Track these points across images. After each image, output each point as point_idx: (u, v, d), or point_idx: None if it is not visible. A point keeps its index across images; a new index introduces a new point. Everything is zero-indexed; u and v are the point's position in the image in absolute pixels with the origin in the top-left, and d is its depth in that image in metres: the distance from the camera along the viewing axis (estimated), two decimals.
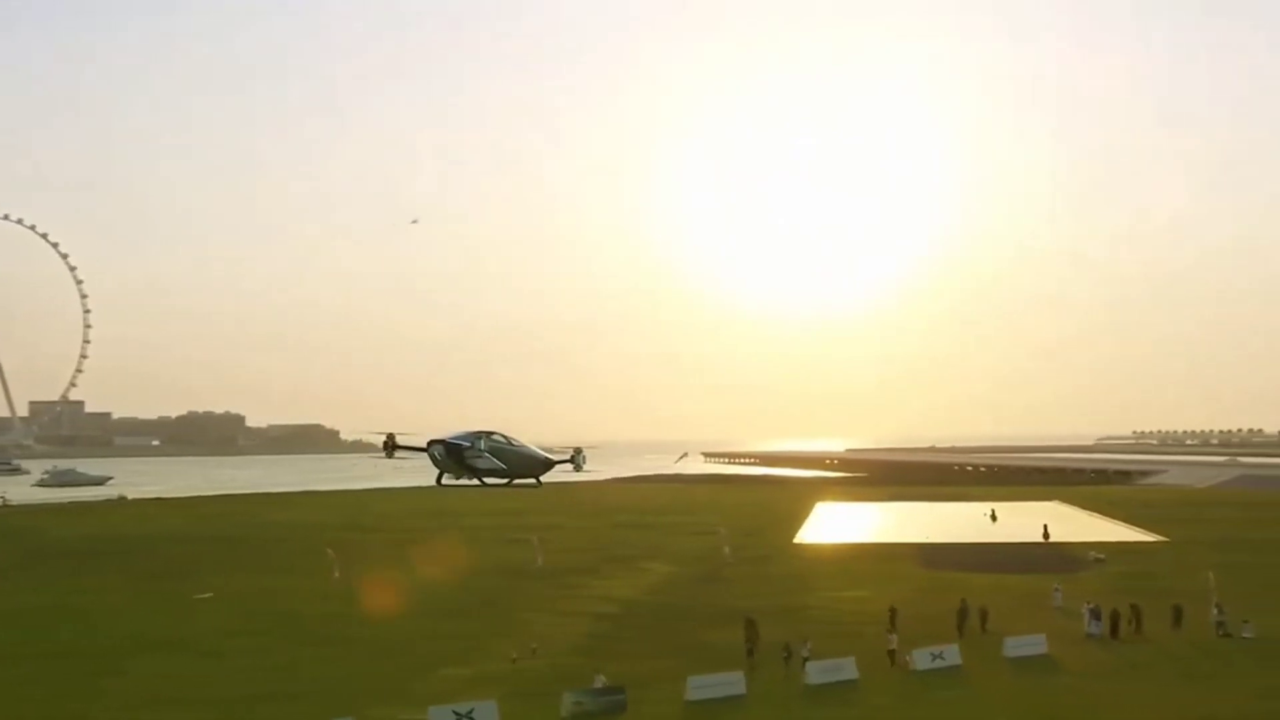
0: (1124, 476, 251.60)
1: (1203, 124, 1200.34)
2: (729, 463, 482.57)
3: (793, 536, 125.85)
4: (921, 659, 56.62)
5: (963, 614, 66.59)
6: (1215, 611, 65.84)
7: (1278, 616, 66.70)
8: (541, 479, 62.69)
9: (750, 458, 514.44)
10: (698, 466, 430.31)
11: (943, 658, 56.96)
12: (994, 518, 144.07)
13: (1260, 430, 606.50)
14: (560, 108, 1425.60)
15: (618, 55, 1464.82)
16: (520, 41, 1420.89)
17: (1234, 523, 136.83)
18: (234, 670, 57.23)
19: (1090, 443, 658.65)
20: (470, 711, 45.80)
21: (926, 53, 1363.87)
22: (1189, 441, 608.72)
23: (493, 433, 63.03)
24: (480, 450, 63.01)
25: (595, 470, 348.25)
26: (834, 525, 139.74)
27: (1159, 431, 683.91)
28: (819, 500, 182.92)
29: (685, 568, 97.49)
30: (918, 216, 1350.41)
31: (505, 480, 61.42)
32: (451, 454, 61.89)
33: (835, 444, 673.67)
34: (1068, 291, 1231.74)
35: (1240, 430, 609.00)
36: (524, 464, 62.23)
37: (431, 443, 60.93)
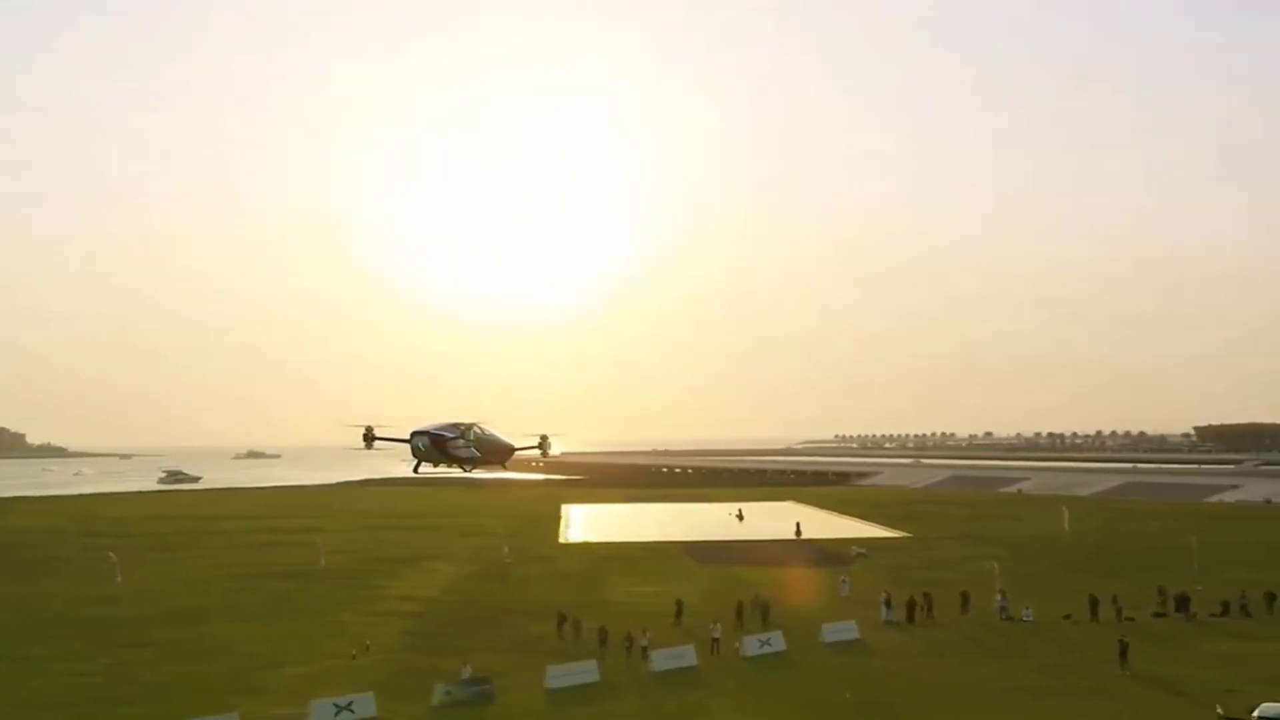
0: (843, 478, 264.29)
1: (904, 133, 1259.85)
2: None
3: (557, 536, 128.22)
4: (751, 645, 59.60)
5: (760, 605, 69.73)
6: (999, 597, 71.43)
7: (1031, 600, 72.49)
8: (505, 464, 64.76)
9: None
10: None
11: (770, 644, 60.10)
12: (740, 517, 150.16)
13: (952, 434, 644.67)
14: (264, 105, 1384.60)
15: (321, 53, 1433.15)
16: (223, 33, 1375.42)
17: (962, 519, 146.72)
18: (61, 675, 55.04)
19: (798, 445, 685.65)
20: (350, 704, 45.96)
21: (640, 57, 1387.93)
22: (887, 445, 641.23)
23: (475, 425, 63.27)
24: (469, 441, 62.96)
25: (316, 474, 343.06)
26: (591, 525, 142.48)
27: (859, 435, 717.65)
28: (562, 502, 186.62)
29: (469, 567, 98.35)
30: (626, 222, 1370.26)
31: (472, 467, 62.71)
32: (436, 444, 61.84)
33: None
34: (767, 299, 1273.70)
35: (934, 434, 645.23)
36: (496, 451, 62.89)
37: (415, 434, 60.51)
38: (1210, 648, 60.41)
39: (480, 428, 64.51)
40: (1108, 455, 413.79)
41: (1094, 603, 69.71)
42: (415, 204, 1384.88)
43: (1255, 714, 42.25)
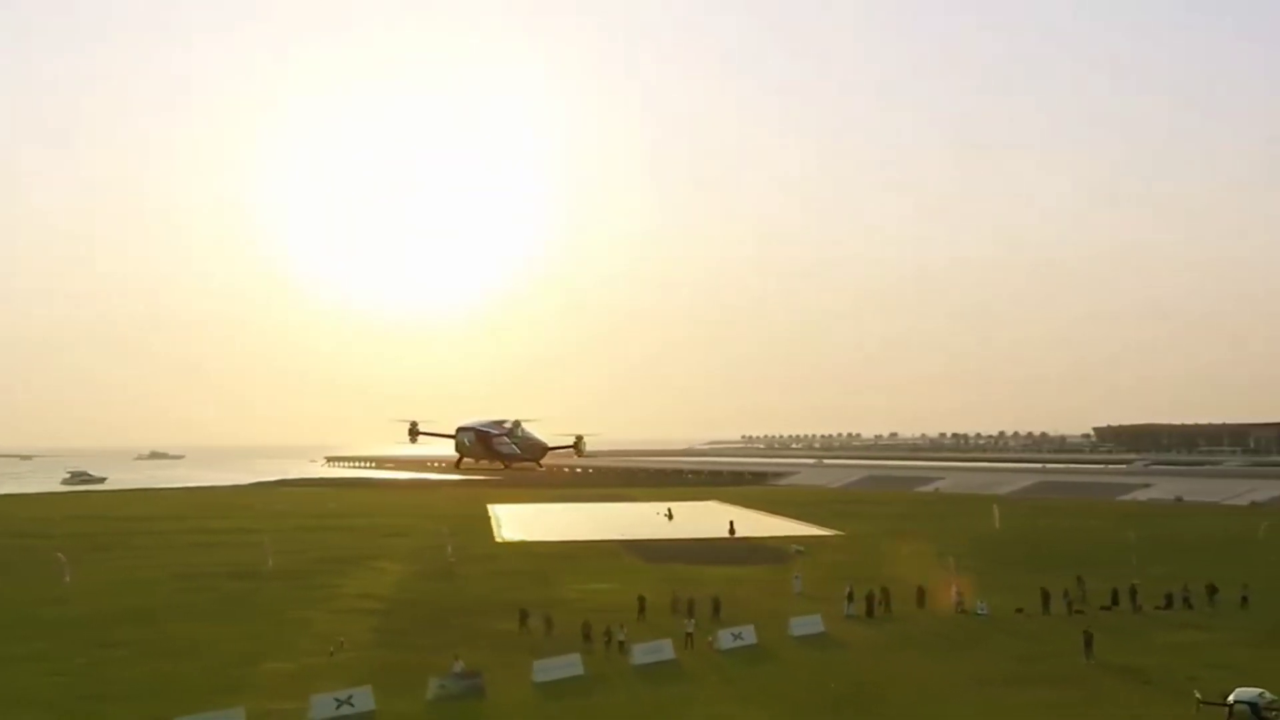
0: (760, 478, 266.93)
1: (810, 133, 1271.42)
2: (358, 466, 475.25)
3: (493, 536, 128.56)
4: (725, 639, 60.78)
5: (682, 603, 70.35)
6: (955, 592, 73.37)
7: (977, 595, 74.44)
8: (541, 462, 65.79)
9: (376, 461, 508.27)
10: (323, 470, 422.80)
11: (742, 638, 61.37)
12: (670, 516, 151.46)
13: (858, 435, 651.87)
14: (165, 95, 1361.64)
15: (222, 45, 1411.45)
16: (128, 25, 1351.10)
17: (889, 517, 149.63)
18: (40, 674, 54.54)
19: (703, 445, 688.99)
20: (349, 698, 46.36)
21: (543, 55, 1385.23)
22: (794, 446, 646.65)
23: (520, 423, 63.72)
24: (516, 438, 63.36)
25: (225, 474, 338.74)
26: (523, 525, 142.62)
27: (765, 436, 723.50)
28: (480, 502, 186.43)
29: (415, 566, 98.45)
30: (530, 221, 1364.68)
31: (511, 464, 63.77)
32: (481, 440, 62.20)
33: (443, 448, 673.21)
34: (671, 299, 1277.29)
35: (840, 435, 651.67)
36: (533, 449, 63.58)
37: (461, 429, 60.91)
38: (1163, 638, 62.66)
39: (513, 425, 65.27)
40: (1011, 455, 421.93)
41: (1046, 596, 71.93)
42: (318, 201, 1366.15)
43: (1231, 698, 44.24)
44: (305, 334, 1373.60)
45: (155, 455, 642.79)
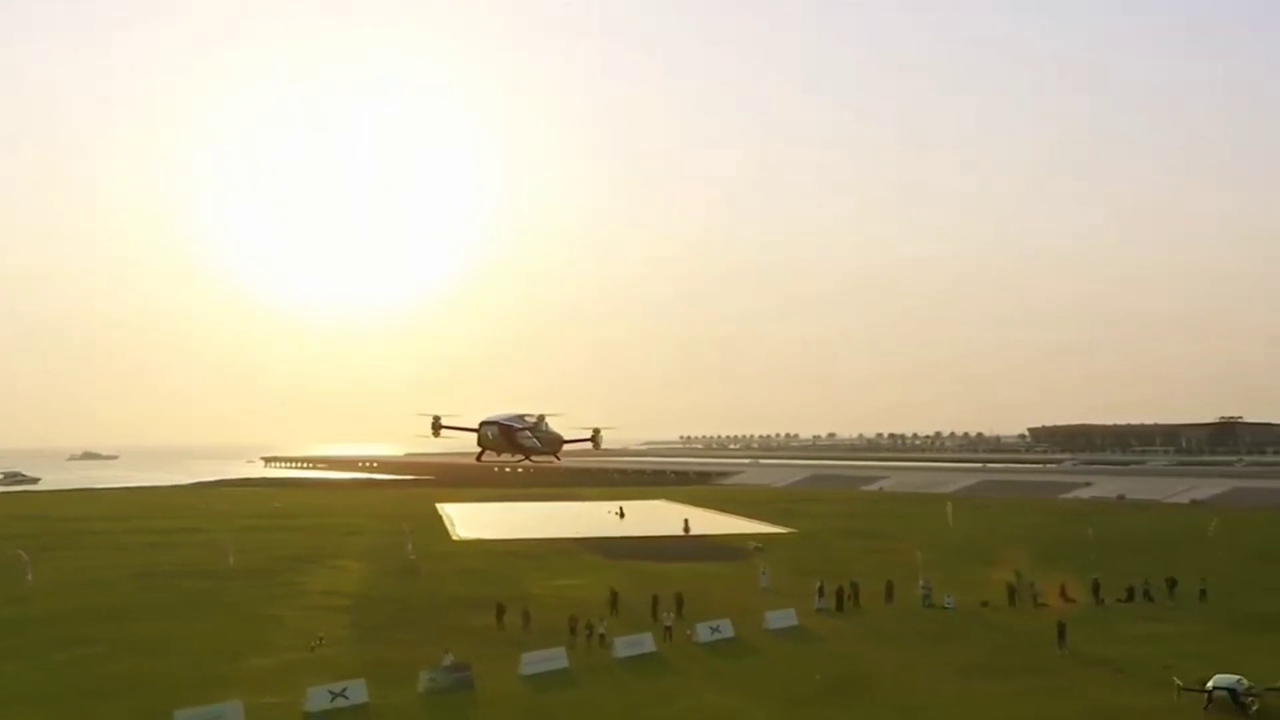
0: (704, 477, 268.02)
1: (744, 134, 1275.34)
2: (295, 467, 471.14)
3: (448, 534, 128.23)
4: (703, 632, 61.34)
5: (679, 600, 70.98)
6: (922, 585, 74.42)
7: (939, 589, 75.56)
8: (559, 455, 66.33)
9: (312, 462, 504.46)
10: (261, 471, 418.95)
11: (719, 631, 61.95)
12: (621, 514, 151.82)
13: (796, 435, 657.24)
14: (98, 98, 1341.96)
15: (155, 48, 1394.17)
16: (55, 27, 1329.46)
17: (840, 515, 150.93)
18: (23, 670, 53.96)
19: (640, 445, 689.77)
20: (344, 690, 46.45)
21: (478, 58, 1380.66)
22: (732, 446, 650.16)
23: (543, 417, 64.05)
24: (539, 432, 63.75)
25: (162, 475, 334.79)
26: (476, 523, 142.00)
27: (704, 436, 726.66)
28: (430, 501, 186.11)
29: (377, 564, 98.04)
30: (463, 224, 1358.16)
31: (530, 456, 64.62)
32: (504, 433, 62.59)
33: (376, 448, 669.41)
34: (606, 300, 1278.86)
35: (778, 435, 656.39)
36: (551, 442, 64.19)
37: (484, 423, 61.15)
38: (1130, 630, 63.97)
39: (546, 421, 65.83)
40: (949, 455, 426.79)
41: (1011, 590, 73.15)
42: (250, 203, 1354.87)
43: (1210, 684, 45.49)
44: (238, 334, 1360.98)
45: (88, 455, 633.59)
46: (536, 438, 67.33)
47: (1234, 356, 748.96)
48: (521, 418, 67.39)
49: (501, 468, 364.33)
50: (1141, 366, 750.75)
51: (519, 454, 68.78)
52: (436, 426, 64.58)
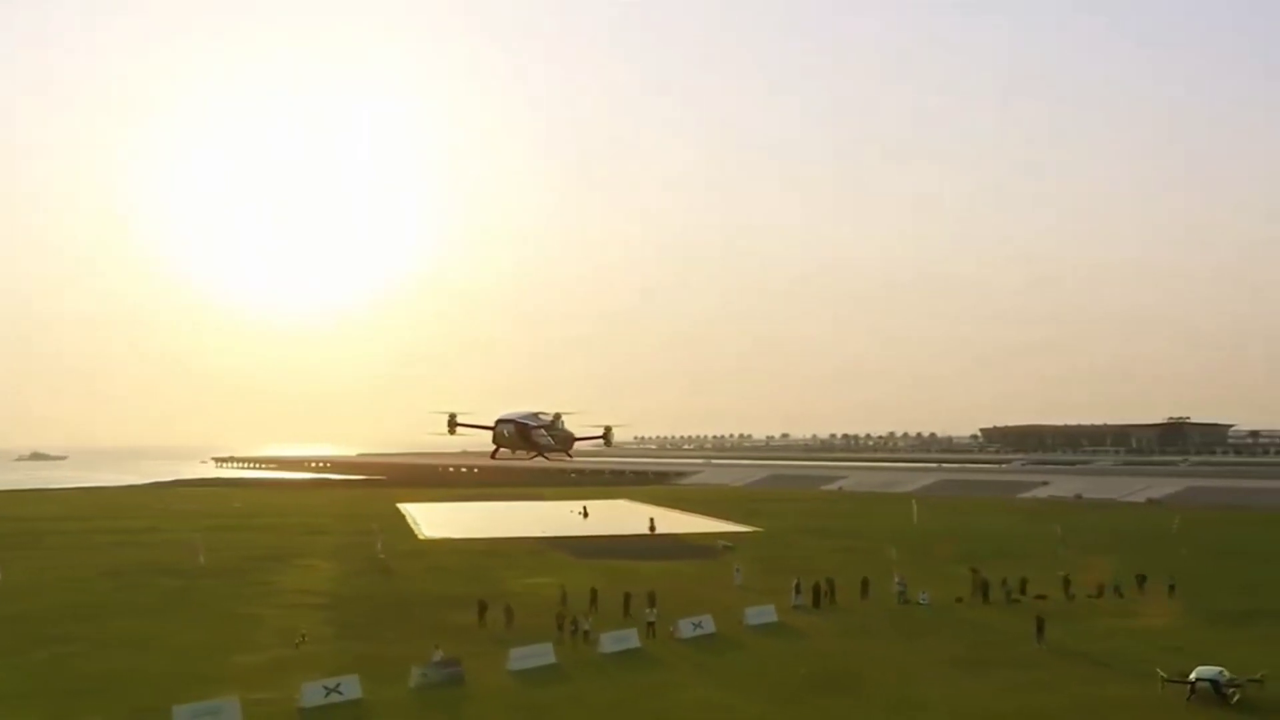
0: (663, 477, 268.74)
1: (697, 133, 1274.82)
2: (248, 468, 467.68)
3: (414, 533, 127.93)
4: (686, 628, 61.81)
5: (651, 597, 71.05)
6: (897, 582, 75.25)
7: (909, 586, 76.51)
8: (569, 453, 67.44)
9: (264, 462, 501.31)
10: (213, 471, 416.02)
11: (702, 627, 62.44)
12: (585, 514, 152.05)
13: (749, 436, 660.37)
14: (45, 94, 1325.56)
15: (102, 45, 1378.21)
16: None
17: (803, 514, 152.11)
18: (5, 669, 53.58)
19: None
20: (338, 686, 46.56)
21: (426, 56, 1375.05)
22: (686, 446, 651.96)
23: (561, 414, 65.13)
24: (553, 430, 64.81)
25: (114, 475, 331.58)
26: (441, 523, 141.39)
27: (657, 437, 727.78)
28: (393, 501, 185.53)
29: (347, 563, 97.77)
30: (415, 222, 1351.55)
31: (543, 454, 66.03)
32: (520, 431, 63.75)
33: (324, 448, 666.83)
34: (558, 299, 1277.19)
35: (732, 435, 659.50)
36: (564, 440, 65.37)
37: (501, 421, 62.24)
38: (1104, 624, 65.10)
39: (562, 419, 66.59)
40: (903, 455, 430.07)
41: (985, 586, 74.14)
42: (200, 201, 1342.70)
43: (1193, 676, 46.47)
44: (185, 334, 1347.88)
45: (36, 456, 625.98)
46: (550, 435, 68.14)
47: (1183, 357, 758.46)
48: (536, 416, 68.29)
49: (458, 468, 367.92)
50: (1093, 367, 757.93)
51: (533, 451, 69.65)
52: (452, 424, 65.29)
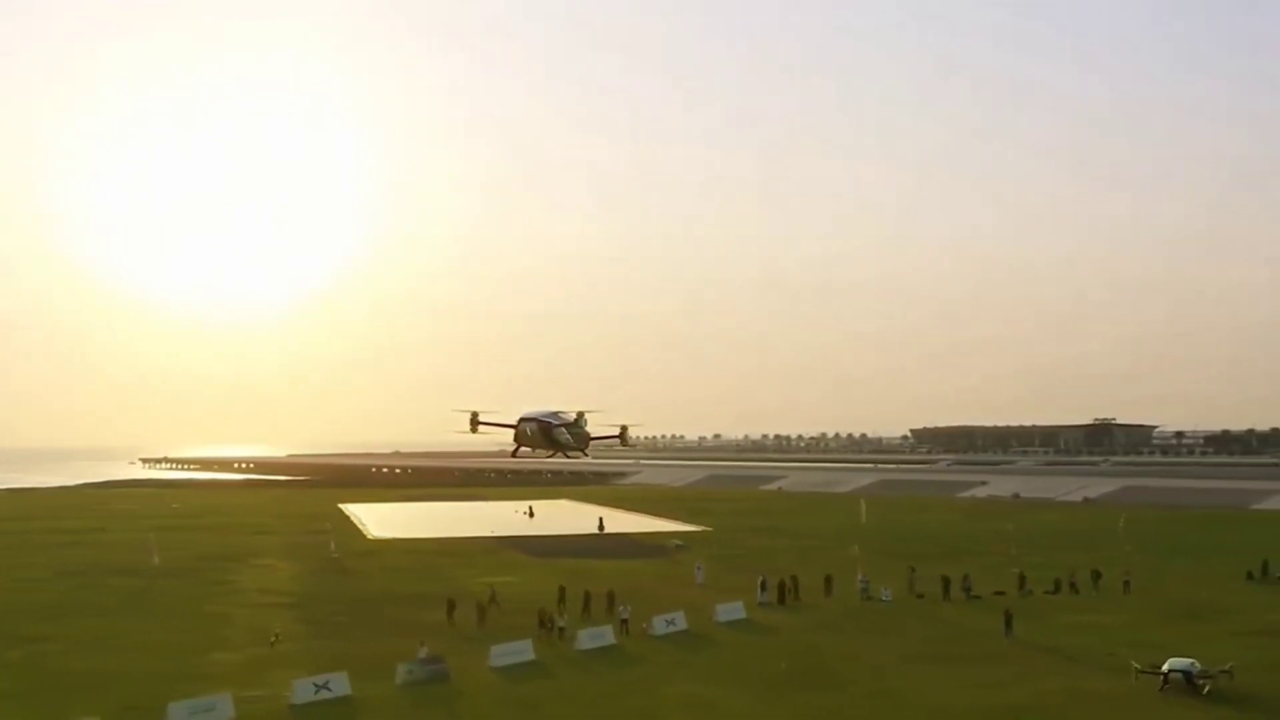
0: (602, 477, 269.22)
1: (622, 131, 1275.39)
2: (178, 468, 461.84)
3: (363, 534, 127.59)
4: (659, 625, 62.49)
5: (610, 597, 71.59)
6: (860, 579, 76.42)
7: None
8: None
9: (193, 463, 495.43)
10: (143, 472, 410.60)
11: (674, 624, 63.16)
12: (531, 514, 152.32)
13: (681, 436, 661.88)
14: None
15: (32, 39, 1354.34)
16: None
17: (748, 513, 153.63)
18: None
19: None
20: (327, 683, 46.74)
21: (356, 50, 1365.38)
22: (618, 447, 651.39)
23: (583, 412, 65.58)
24: (574, 429, 65.44)
25: (41, 476, 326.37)
26: (387, 523, 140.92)
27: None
28: (331, 501, 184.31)
29: (301, 563, 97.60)
30: (342, 222, 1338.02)
31: (562, 452, 67.31)
32: (543, 430, 64.37)
33: (252, 449, 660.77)
34: (484, 299, 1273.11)
35: (664, 436, 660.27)
36: (581, 439, 65.81)
37: (523, 419, 62.80)
38: (1065, 620, 66.53)
39: (585, 418, 67.23)
40: (834, 456, 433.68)
41: (946, 583, 75.54)
42: (115, 195, 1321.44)
43: (1165, 667, 47.91)
44: (106, 335, 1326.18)
45: None
46: (570, 434, 68.86)
47: (1112, 356, 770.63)
48: (558, 414, 68.96)
49: (392, 469, 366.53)
50: (1025, 367, 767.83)
51: (554, 449, 70.35)
52: (475, 422, 65.69)
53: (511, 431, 70.66)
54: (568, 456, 72.74)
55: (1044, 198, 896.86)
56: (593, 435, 72.20)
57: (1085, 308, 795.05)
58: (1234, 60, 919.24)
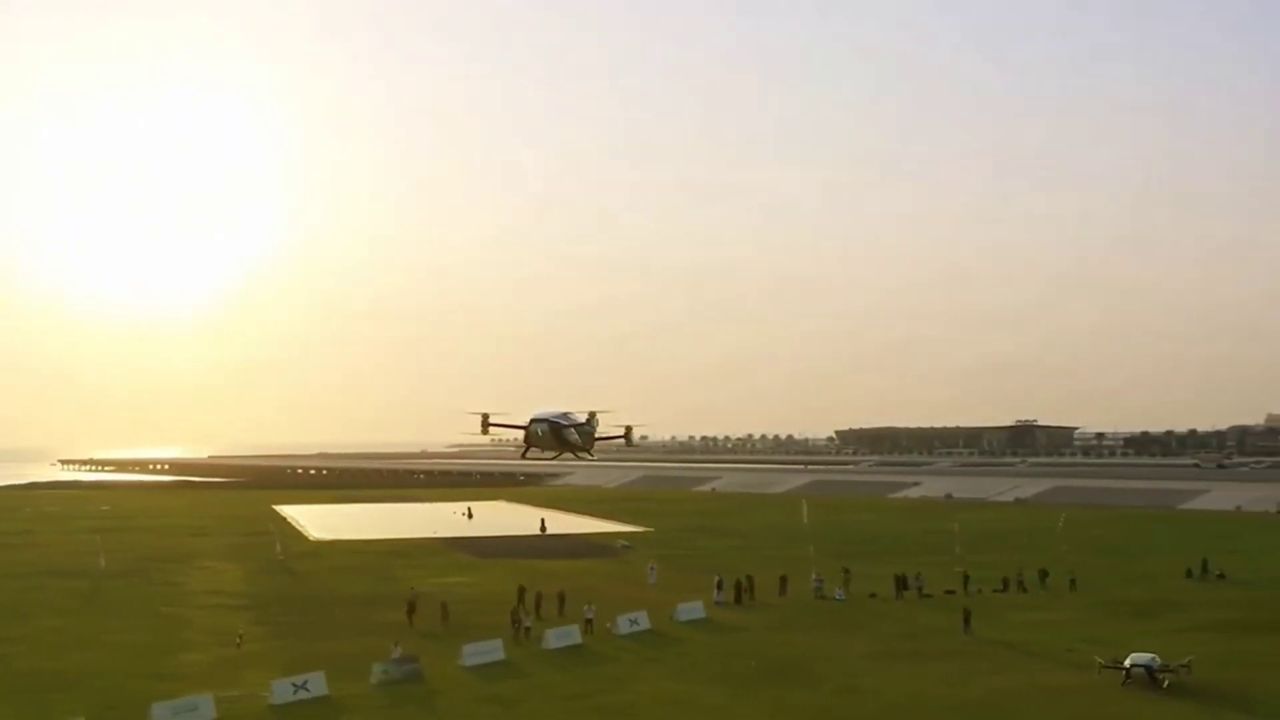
0: (535, 478, 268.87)
1: (552, 128, 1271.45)
2: (97, 470, 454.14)
3: (303, 535, 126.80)
4: (623, 624, 63.00)
5: (561, 598, 71.84)
6: (814, 579, 77.47)
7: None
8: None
9: (113, 465, 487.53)
10: (63, 474, 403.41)
11: (638, 623, 63.69)
12: (470, 515, 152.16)
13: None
14: None
15: None
16: None
17: (682, 514, 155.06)
18: None
19: (450, 448, 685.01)
20: (305, 683, 46.80)
21: (279, 47, 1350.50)
22: None
23: (594, 412, 65.98)
24: (582, 429, 65.89)
25: None
26: (326, 525, 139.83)
27: (514, 439, 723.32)
28: (263, 503, 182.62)
29: (246, 564, 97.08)
30: (263, 219, 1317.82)
31: (569, 452, 68.17)
32: (554, 430, 64.62)
33: (170, 450, 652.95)
34: (409, 298, 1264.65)
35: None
36: (588, 439, 66.26)
37: (534, 420, 62.81)
38: (1017, 617, 67.84)
39: (596, 418, 67.91)
40: (761, 456, 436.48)
41: (900, 581, 76.78)
42: (23, 191, 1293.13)
43: (1127, 662, 49.28)
44: (16, 334, 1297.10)
45: None
46: (579, 434, 69.57)
47: (1035, 358, 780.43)
48: (567, 415, 69.56)
49: (317, 470, 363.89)
50: (948, 368, 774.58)
51: (564, 450, 71.05)
52: (485, 424, 66.09)
53: (521, 433, 71.38)
54: (576, 456, 73.72)
55: (967, 197, 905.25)
56: (599, 436, 72.99)
57: (1006, 310, 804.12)
58: (1155, 57, 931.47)
